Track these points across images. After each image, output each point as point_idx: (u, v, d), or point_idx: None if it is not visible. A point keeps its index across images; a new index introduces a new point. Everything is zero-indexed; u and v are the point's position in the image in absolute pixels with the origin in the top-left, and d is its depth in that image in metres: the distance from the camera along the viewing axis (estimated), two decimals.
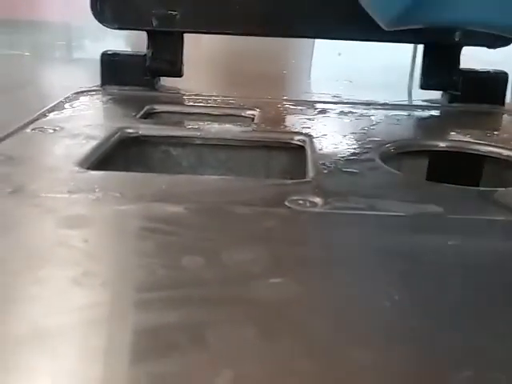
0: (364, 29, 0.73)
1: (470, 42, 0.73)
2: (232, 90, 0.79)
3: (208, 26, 0.73)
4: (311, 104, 0.73)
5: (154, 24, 0.72)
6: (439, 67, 0.74)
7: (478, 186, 0.62)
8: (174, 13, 0.72)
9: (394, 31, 0.73)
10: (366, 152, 0.54)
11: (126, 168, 0.60)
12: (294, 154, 0.59)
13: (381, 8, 0.51)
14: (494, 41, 0.73)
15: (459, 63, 0.74)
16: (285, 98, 0.75)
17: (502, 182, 0.58)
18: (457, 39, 0.72)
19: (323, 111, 0.69)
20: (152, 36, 0.74)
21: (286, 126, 0.63)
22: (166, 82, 0.79)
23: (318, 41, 1.12)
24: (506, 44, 0.72)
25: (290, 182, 0.47)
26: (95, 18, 0.72)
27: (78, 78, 1.13)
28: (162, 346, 0.27)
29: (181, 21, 0.72)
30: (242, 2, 0.72)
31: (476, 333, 0.28)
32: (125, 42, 1.28)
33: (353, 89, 0.98)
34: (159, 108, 0.68)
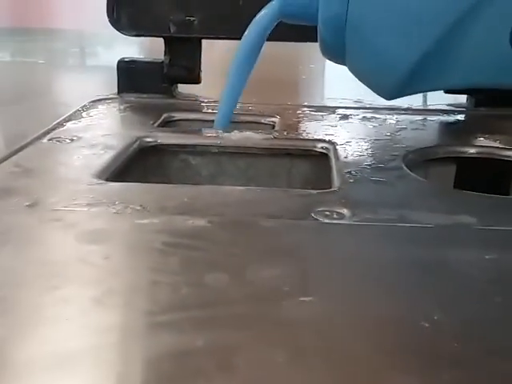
0: None
1: None
2: (251, 96, 0.78)
3: (226, 31, 0.72)
4: (333, 110, 0.71)
5: (171, 30, 0.71)
6: None
7: (509, 193, 0.60)
8: (192, 18, 0.71)
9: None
10: (393, 159, 0.52)
11: (145, 178, 0.58)
12: (316, 162, 0.58)
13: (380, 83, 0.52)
14: None
15: None
16: (305, 103, 0.74)
17: None
18: None
19: (345, 117, 0.68)
20: (169, 42, 0.72)
21: (307, 133, 0.61)
22: (184, 88, 0.77)
23: None
24: None
25: (315, 192, 0.45)
26: (112, 25, 0.71)
27: (93, 85, 1.12)
28: (186, 371, 0.26)
29: (199, 26, 0.71)
30: (259, 8, 0.70)
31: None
32: (139, 48, 1.27)
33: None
34: (177, 116, 0.67)
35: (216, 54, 1.21)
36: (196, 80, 0.74)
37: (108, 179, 0.47)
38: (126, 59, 0.73)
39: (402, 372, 0.25)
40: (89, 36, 1.87)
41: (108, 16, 0.71)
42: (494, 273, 0.33)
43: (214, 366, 0.26)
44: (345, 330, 0.28)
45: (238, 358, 0.26)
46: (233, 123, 0.66)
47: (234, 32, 0.72)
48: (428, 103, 0.75)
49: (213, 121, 0.66)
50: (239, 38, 0.74)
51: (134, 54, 0.86)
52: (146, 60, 0.74)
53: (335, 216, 0.41)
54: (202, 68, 0.75)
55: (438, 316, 0.29)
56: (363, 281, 0.33)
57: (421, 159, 0.54)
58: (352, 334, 0.28)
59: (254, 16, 0.70)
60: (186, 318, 0.29)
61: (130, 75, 0.73)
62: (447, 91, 0.72)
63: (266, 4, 0.70)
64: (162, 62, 0.73)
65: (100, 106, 0.68)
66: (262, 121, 0.67)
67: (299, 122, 0.66)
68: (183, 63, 0.73)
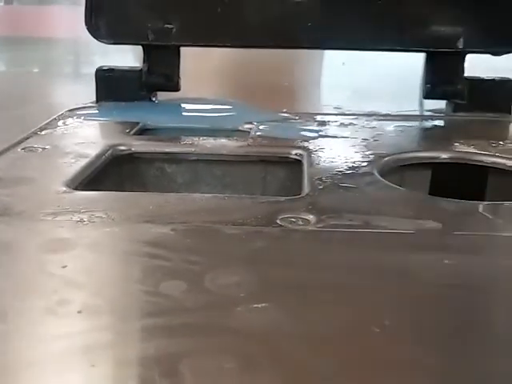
0: (366, 38, 0.72)
1: (474, 49, 0.71)
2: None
3: (205, 39, 0.72)
4: (311, 116, 0.71)
5: (149, 38, 0.71)
6: (443, 76, 0.72)
7: (484, 198, 0.59)
8: (170, 26, 0.71)
9: (397, 41, 0.72)
10: (365, 166, 0.52)
11: (120, 187, 0.58)
12: (291, 168, 0.58)
13: None
14: (498, 48, 0.71)
15: (463, 71, 0.72)
16: (284, 110, 0.74)
17: (509, 193, 0.55)
18: (460, 47, 0.70)
19: (323, 123, 0.68)
20: (148, 50, 0.72)
21: (283, 140, 0.61)
22: (169, 95, 0.77)
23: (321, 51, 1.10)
24: (510, 51, 0.70)
25: (283, 198, 0.45)
26: (90, 33, 0.71)
27: (85, 93, 1.12)
28: (133, 379, 0.26)
29: (177, 34, 0.71)
30: (239, 15, 0.71)
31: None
32: (133, 55, 1.27)
33: (356, 99, 0.97)
34: (154, 124, 0.67)
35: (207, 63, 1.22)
36: (175, 87, 0.74)
37: (77, 188, 0.47)
38: (104, 67, 0.73)
39: (347, 379, 0.25)
40: (84, 44, 1.87)
41: (86, 24, 0.71)
42: (452, 277, 0.33)
43: (160, 374, 0.26)
44: (293, 336, 0.28)
45: (185, 366, 0.26)
46: (210, 130, 0.66)
47: (212, 39, 0.73)
48: (409, 109, 0.75)
49: (190, 128, 0.66)
50: (216, 46, 0.74)
51: (129, 62, 0.86)
52: (124, 68, 0.74)
53: (300, 222, 0.41)
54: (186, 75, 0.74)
55: (389, 321, 0.29)
56: (320, 287, 0.32)
57: (394, 165, 0.54)
58: (300, 341, 0.28)
59: (230, 24, 0.71)
60: (140, 327, 0.29)
61: (108, 83, 0.72)
62: (426, 97, 0.72)
63: (242, 14, 0.71)
64: (141, 69, 0.73)
65: (77, 115, 0.68)
66: (239, 128, 0.67)
67: (276, 128, 0.66)
68: (162, 71, 0.73)
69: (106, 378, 0.26)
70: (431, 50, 0.70)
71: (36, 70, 1.86)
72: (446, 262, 0.35)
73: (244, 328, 0.29)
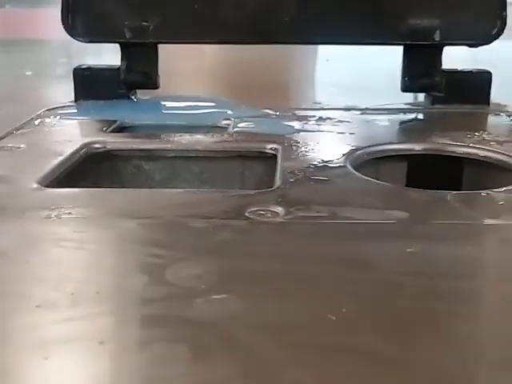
0: (344, 33, 0.72)
1: (451, 41, 0.71)
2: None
3: (181, 36, 0.72)
4: (291, 111, 0.71)
5: (127, 36, 0.71)
6: (420, 68, 0.72)
7: (461, 188, 0.59)
8: (147, 24, 0.71)
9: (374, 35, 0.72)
10: (338, 159, 0.52)
11: (96, 184, 0.58)
12: (267, 162, 0.58)
13: None
14: (474, 39, 0.71)
15: (441, 64, 0.72)
16: (265, 107, 0.74)
17: (482, 183, 0.55)
18: (437, 39, 0.70)
19: (301, 118, 0.68)
20: (125, 48, 0.72)
21: (260, 135, 0.61)
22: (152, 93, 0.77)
23: (302, 47, 1.10)
24: (486, 42, 0.70)
25: (253, 192, 0.45)
26: (67, 32, 0.71)
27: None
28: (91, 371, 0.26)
29: (154, 32, 0.71)
30: (216, 11, 0.71)
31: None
32: None
33: (339, 94, 0.97)
34: (131, 121, 0.67)
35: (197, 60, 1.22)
36: (154, 85, 0.74)
37: (49, 186, 0.47)
38: (83, 66, 0.73)
39: (299, 366, 0.25)
40: (77, 46, 1.87)
41: (63, 23, 0.70)
42: (413, 265, 0.33)
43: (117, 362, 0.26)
44: (249, 326, 0.28)
45: (142, 355, 0.26)
46: (188, 127, 0.66)
47: (188, 36, 0.73)
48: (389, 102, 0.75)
49: (168, 125, 0.66)
50: (194, 43, 0.74)
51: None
52: (102, 67, 0.74)
53: (269, 215, 0.41)
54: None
55: (346, 309, 0.29)
56: (280, 277, 0.33)
57: (368, 158, 0.54)
58: (256, 331, 0.28)
59: (208, 21, 0.71)
60: (99, 319, 0.29)
61: (87, 82, 0.72)
62: (404, 90, 0.72)
63: (219, 10, 0.71)
64: (119, 68, 0.73)
65: (54, 114, 0.68)
66: (218, 124, 0.67)
67: (254, 123, 0.66)
68: (140, 69, 0.73)
69: (61, 372, 0.26)
70: (408, 42, 0.71)
71: (29, 73, 1.86)
72: (409, 250, 0.35)
73: (201, 318, 0.29)
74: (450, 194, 0.44)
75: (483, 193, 0.45)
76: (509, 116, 0.68)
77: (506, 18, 0.69)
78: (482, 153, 0.54)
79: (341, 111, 0.71)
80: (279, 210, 0.41)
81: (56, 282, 0.32)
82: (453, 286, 0.32)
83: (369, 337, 0.27)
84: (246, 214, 0.41)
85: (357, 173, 0.49)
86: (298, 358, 0.26)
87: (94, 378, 0.25)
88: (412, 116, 0.70)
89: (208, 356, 0.26)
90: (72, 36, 0.71)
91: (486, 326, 0.29)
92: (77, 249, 0.36)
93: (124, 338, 0.28)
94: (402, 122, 0.68)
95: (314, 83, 1.12)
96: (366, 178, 0.48)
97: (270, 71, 1.23)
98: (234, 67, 1.28)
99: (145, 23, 0.71)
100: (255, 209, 0.41)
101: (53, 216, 0.40)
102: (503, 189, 0.45)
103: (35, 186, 0.46)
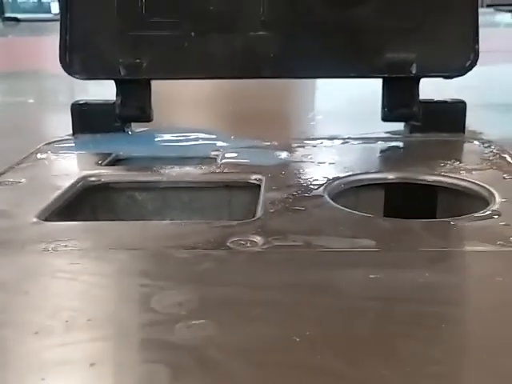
0: (325, 67, 0.76)
1: (427, 74, 0.75)
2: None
3: (173, 72, 0.76)
4: (278, 142, 0.75)
5: (121, 73, 0.75)
6: (399, 99, 0.76)
7: (435, 216, 0.63)
8: (140, 61, 0.75)
9: (354, 68, 0.76)
10: (316, 189, 0.56)
11: (92, 216, 0.62)
12: (252, 192, 0.61)
13: None
14: (449, 71, 0.75)
15: (418, 94, 0.76)
16: (255, 137, 0.77)
17: (455, 210, 0.59)
18: (414, 72, 0.74)
19: (286, 148, 0.71)
20: (120, 84, 0.76)
21: (245, 166, 0.65)
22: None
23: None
24: (461, 74, 0.74)
25: (235, 222, 0.49)
26: (65, 70, 0.75)
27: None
28: None
29: (147, 69, 0.75)
30: (204, 49, 0.75)
31: None
32: None
33: (322, 124, 1.01)
34: (126, 154, 0.71)
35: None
36: (148, 118, 0.78)
37: (48, 219, 0.51)
38: (80, 102, 0.78)
39: (264, 382, 0.29)
40: None
41: (60, 61, 0.75)
42: (374, 291, 0.37)
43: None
44: (223, 348, 0.32)
45: (123, 375, 0.30)
46: (179, 159, 0.70)
47: (179, 73, 0.77)
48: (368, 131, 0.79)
49: (160, 157, 0.70)
50: (184, 78, 0.79)
51: None
52: (99, 102, 0.78)
53: (248, 244, 0.44)
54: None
55: (310, 331, 0.33)
56: (254, 303, 0.36)
57: (344, 187, 0.58)
58: (229, 352, 0.31)
59: (197, 58, 0.75)
60: (87, 344, 0.33)
61: (84, 117, 0.77)
62: (384, 119, 0.76)
63: (208, 46, 0.75)
64: (114, 102, 0.77)
65: (54, 148, 0.72)
66: (208, 156, 0.71)
67: (241, 154, 0.70)
68: (134, 103, 0.77)
69: None
70: (386, 75, 0.75)
71: (31, 101, 1.90)
72: (371, 276, 0.38)
73: (181, 342, 0.32)
74: (417, 223, 0.48)
75: (449, 220, 0.49)
76: (482, 143, 0.72)
77: (478, 51, 0.74)
78: (450, 180, 0.58)
79: (325, 140, 0.75)
80: (258, 239, 0.45)
81: (52, 310, 0.36)
82: (408, 309, 0.35)
83: (327, 356, 0.31)
84: (228, 244, 0.44)
85: (332, 202, 0.53)
86: (266, 377, 0.30)
87: None
88: (391, 144, 0.74)
89: (186, 376, 0.30)
90: (69, 74, 0.75)
91: (436, 346, 0.33)
92: (71, 280, 0.40)
93: (112, 360, 0.32)
94: (382, 151, 0.72)
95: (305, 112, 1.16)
96: (341, 207, 0.52)
97: (265, 100, 1.27)
98: (229, 97, 1.32)
99: (138, 61, 0.75)
100: (236, 239, 0.45)
101: (50, 249, 0.44)
102: (466, 216, 0.49)
103: (34, 220, 0.50)
